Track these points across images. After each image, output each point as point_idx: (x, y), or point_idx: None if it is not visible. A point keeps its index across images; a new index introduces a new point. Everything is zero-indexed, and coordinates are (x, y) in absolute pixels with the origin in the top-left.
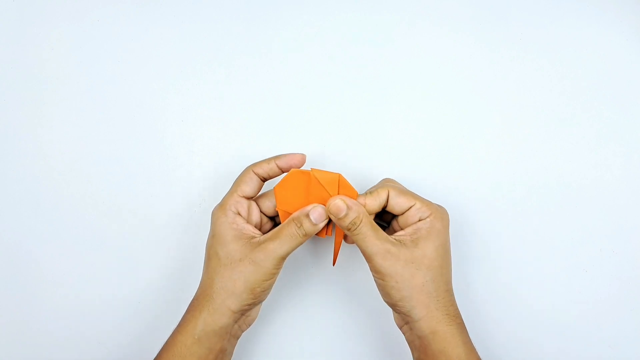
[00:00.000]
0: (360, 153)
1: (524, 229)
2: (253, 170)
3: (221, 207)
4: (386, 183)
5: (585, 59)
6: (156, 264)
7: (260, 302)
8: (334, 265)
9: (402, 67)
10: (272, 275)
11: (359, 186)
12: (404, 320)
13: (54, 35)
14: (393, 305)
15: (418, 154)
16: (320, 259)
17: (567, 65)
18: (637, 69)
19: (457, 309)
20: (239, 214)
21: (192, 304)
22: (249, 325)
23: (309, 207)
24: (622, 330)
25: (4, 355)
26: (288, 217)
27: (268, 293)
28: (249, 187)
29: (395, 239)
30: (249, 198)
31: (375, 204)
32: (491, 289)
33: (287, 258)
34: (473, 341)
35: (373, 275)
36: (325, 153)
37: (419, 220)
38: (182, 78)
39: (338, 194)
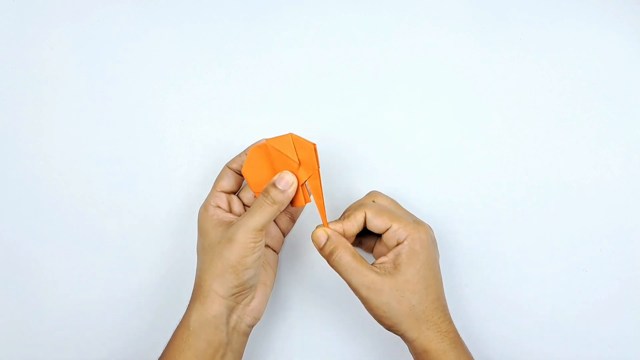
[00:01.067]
0: (360, 153)
1: (524, 229)
2: (228, 166)
3: (203, 206)
4: (365, 202)
5: (585, 59)
6: (156, 264)
7: (249, 286)
8: (327, 227)
9: (402, 67)
10: (250, 251)
11: (359, 187)
12: (401, 337)
13: (54, 35)
14: (388, 328)
15: (418, 153)
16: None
17: (567, 65)
18: (637, 69)
19: (451, 323)
20: (219, 207)
21: (190, 301)
22: (255, 319)
23: (275, 176)
24: (622, 330)
25: (4, 355)
26: None
27: (254, 274)
28: (225, 182)
29: (377, 267)
30: (229, 193)
31: (352, 228)
32: (491, 289)
33: (265, 232)
34: (473, 341)
35: (363, 304)
36: (325, 153)
37: (397, 244)
38: (182, 78)
39: (296, 153)
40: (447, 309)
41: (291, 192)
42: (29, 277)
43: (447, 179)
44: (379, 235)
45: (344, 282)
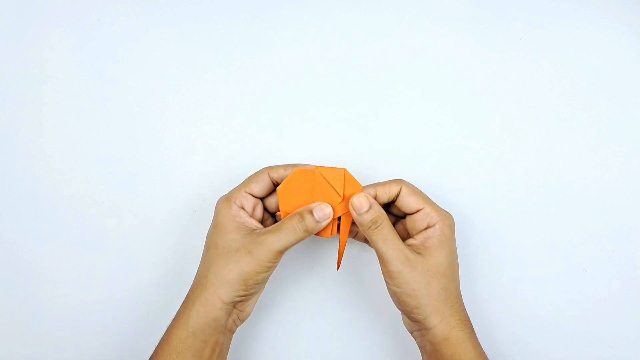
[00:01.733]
0: (360, 154)
1: (524, 229)
2: (268, 173)
3: (227, 199)
4: (400, 180)
5: (585, 59)
6: (156, 263)
7: (251, 295)
8: (337, 269)
9: (402, 68)
10: (267, 269)
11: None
12: (417, 326)
13: (54, 35)
14: (408, 313)
15: (418, 154)
16: (323, 262)
17: (567, 65)
18: (637, 69)
19: (467, 313)
20: (243, 208)
21: (187, 297)
22: (243, 321)
23: (314, 204)
24: (622, 330)
25: (4, 355)
26: None
27: (261, 288)
28: (258, 187)
29: (411, 248)
30: (255, 197)
31: (384, 197)
32: (491, 289)
33: (285, 253)
34: None
35: (387, 282)
36: (325, 153)
37: (428, 227)
38: (182, 78)
39: (344, 189)
40: (463, 303)
41: (324, 225)
42: (29, 277)
43: (446, 179)
44: (400, 218)
45: (349, 284)
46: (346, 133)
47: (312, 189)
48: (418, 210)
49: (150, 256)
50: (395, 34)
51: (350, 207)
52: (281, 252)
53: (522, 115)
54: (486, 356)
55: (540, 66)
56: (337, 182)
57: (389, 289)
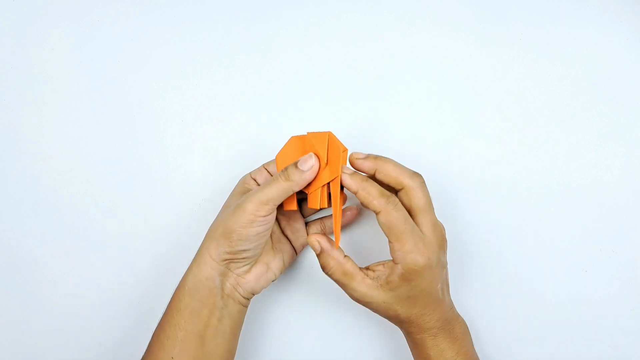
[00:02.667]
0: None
1: (524, 229)
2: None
3: (246, 175)
4: (410, 186)
5: (585, 59)
6: (156, 263)
7: (240, 256)
8: (337, 248)
9: (402, 68)
10: (251, 222)
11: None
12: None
13: (54, 35)
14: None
15: (417, 153)
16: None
17: (567, 65)
18: (637, 69)
19: (454, 314)
20: (255, 180)
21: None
22: (249, 292)
23: (300, 158)
24: (622, 330)
25: (4, 355)
26: None
27: (249, 247)
28: (273, 165)
29: (372, 270)
30: (270, 173)
31: (364, 165)
32: (491, 289)
33: (273, 210)
34: (472, 341)
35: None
36: None
37: (394, 262)
38: (182, 78)
39: (327, 149)
40: (442, 307)
41: (309, 175)
42: (29, 277)
43: (446, 179)
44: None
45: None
46: (346, 133)
47: (303, 153)
48: (388, 236)
49: (150, 256)
50: (395, 34)
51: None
52: (265, 204)
53: (522, 115)
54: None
55: (540, 66)
56: (321, 146)
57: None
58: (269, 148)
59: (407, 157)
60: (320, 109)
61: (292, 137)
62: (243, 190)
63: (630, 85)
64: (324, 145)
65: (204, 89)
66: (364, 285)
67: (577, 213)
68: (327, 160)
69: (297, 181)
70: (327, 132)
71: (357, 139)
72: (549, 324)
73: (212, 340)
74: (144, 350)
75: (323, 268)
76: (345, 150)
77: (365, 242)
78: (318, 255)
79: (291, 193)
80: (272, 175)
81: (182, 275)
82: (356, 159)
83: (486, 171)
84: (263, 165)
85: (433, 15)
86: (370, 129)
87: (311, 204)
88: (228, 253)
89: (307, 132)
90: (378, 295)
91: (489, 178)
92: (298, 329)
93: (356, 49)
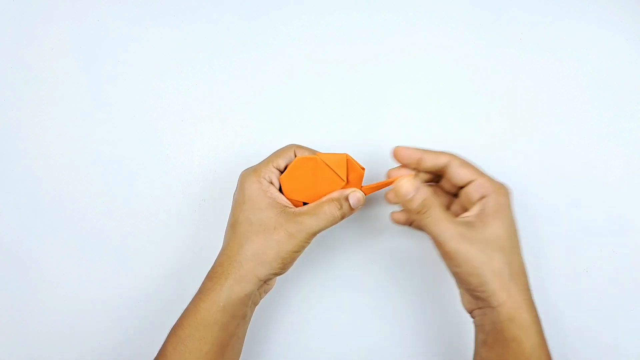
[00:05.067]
0: (360, 153)
1: (524, 229)
2: (295, 150)
3: (255, 173)
4: (449, 153)
5: (585, 59)
6: (156, 263)
7: (285, 272)
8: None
9: (403, 67)
10: (302, 248)
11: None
12: (479, 304)
13: (54, 35)
14: (471, 291)
15: None
16: (323, 261)
17: (567, 65)
18: (637, 69)
19: (532, 295)
20: (272, 183)
21: (214, 271)
22: (267, 293)
23: (348, 191)
24: (622, 330)
25: (4, 355)
26: (297, 205)
27: (292, 264)
28: (284, 162)
29: (465, 223)
30: (279, 171)
31: (430, 162)
32: None
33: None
34: (472, 341)
35: (446, 263)
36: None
37: (481, 198)
38: (182, 78)
39: (347, 174)
40: (529, 282)
41: (356, 211)
42: (29, 277)
43: None
44: (452, 195)
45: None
46: (347, 133)
47: (315, 175)
48: (470, 182)
49: (150, 256)
50: (395, 33)
51: (394, 193)
52: (315, 234)
53: (522, 115)
54: (548, 347)
55: (540, 66)
56: (340, 168)
57: (449, 269)
58: (269, 148)
59: None
60: (320, 109)
61: (298, 157)
62: (271, 202)
63: (630, 85)
64: (343, 168)
65: (203, 89)
66: (462, 225)
67: (577, 213)
68: (347, 181)
69: (347, 215)
70: (343, 154)
71: (357, 138)
72: (548, 323)
73: (231, 347)
74: (145, 351)
75: (419, 210)
76: (363, 169)
77: (375, 236)
78: (411, 199)
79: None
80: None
81: (201, 287)
82: (402, 148)
83: (486, 171)
84: (270, 163)
85: (433, 15)
86: (370, 129)
87: None
88: (275, 274)
89: (317, 154)
90: (479, 235)
91: None
92: (297, 329)
93: (356, 48)
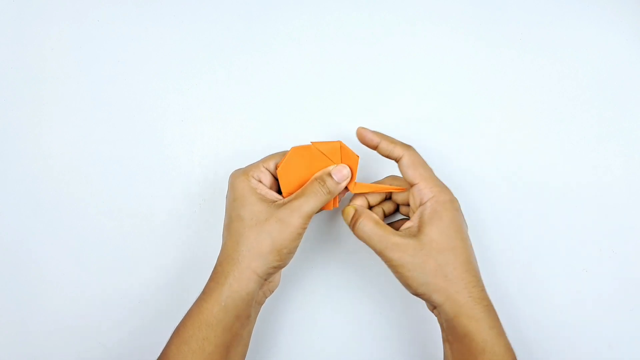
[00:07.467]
0: (360, 153)
1: (524, 229)
2: (293, 150)
3: (244, 172)
4: (408, 147)
5: (585, 59)
6: (156, 263)
7: (283, 265)
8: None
9: (402, 68)
10: (298, 235)
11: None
12: (429, 305)
13: (54, 35)
14: (415, 294)
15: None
16: (323, 261)
17: (567, 65)
18: (637, 69)
19: (483, 290)
20: (261, 181)
21: (215, 271)
22: (272, 292)
23: (330, 167)
24: (622, 330)
25: (4, 355)
26: None
27: (291, 256)
28: (274, 164)
29: (403, 232)
30: (273, 175)
31: (385, 152)
32: (490, 288)
33: (311, 218)
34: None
35: (390, 270)
36: None
37: (420, 205)
38: (182, 78)
39: (341, 161)
40: (480, 278)
41: (343, 185)
42: (29, 277)
43: (446, 179)
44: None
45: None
46: (347, 133)
47: (311, 164)
48: (413, 185)
49: (150, 256)
50: (395, 33)
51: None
52: (309, 216)
53: (522, 116)
54: (506, 338)
55: (540, 66)
56: (334, 155)
57: (394, 276)
58: (269, 148)
59: None
60: (320, 109)
61: (292, 148)
62: (261, 198)
63: (630, 85)
64: (337, 155)
65: (203, 89)
66: (396, 236)
67: (577, 213)
68: None
69: (335, 193)
70: (337, 141)
71: (357, 139)
72: (548, 323)
73: (235, 348)
74: (145, 351)
75: (353, 225)
76: (357, 157)
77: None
78: (350, 220)
79: (328, 201)
80: (273, 174)
81: (205, 288)
82: (364, 130)
83: (485, 171)
84: (261, 164)
85: (433, 15)
86: (370, 128)
87: (324, 206)
88: (274, 267)
89: (311, 142)
90: (413, 243)
91: (488, 178)
92: (301, 331)
93: (356, 49)
